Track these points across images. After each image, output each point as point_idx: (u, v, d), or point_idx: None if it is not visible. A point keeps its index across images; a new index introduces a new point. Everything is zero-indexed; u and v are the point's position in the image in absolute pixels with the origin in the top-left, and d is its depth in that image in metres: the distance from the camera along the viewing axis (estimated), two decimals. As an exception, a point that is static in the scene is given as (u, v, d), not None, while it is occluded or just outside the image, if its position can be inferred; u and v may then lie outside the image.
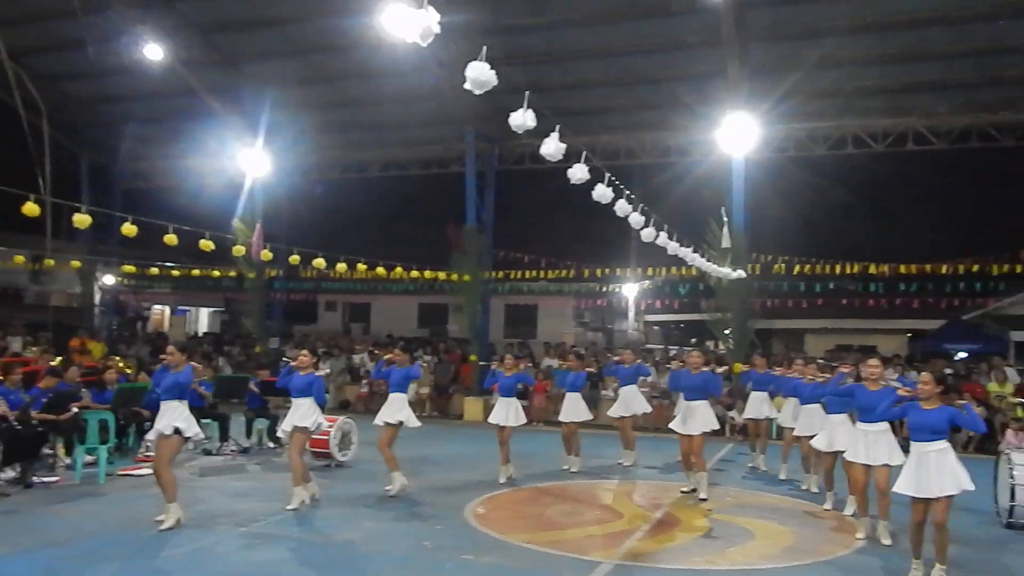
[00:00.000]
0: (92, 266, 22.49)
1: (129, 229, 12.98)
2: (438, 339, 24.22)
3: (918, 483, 6.53)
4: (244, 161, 19.72)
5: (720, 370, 11.86)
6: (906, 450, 6.94)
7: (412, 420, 9.85)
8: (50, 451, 10.59)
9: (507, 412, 10.94)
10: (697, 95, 17.25)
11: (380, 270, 19.03)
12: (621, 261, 24.85)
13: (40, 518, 8.28)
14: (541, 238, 26.25)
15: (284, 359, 15.70)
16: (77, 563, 6.79)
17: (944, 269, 18.30)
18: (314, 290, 26.57)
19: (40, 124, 15.17)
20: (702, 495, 9.91)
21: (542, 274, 22.28)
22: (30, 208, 10.88)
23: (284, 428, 9.25)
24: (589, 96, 18.63)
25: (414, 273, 19.58)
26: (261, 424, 13.18)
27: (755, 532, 8.46)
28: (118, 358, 16.66)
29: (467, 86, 5.89)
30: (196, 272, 22.52)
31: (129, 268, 20.93)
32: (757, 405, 12.18)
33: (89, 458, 10.37)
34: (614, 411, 12.58)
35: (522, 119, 6.65)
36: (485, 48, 5.86)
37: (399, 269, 19.13)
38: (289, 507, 8.75)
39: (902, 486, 6.66)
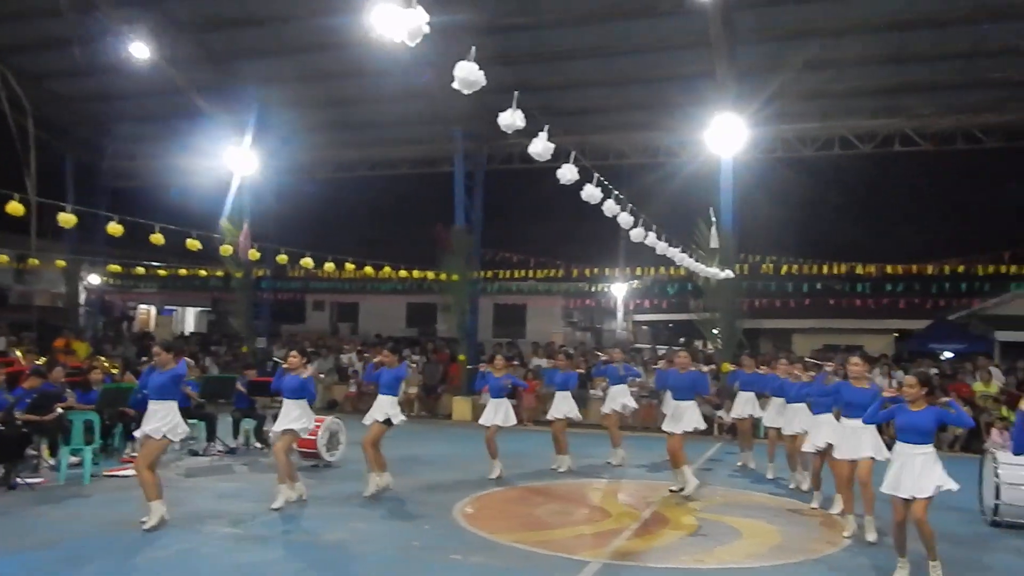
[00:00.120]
0: (77, 266, 22.34)
1: (115, 228, 12.90)
2: (426, 339, 24.20)
3: (900, 483, 6.59)
4: (232, 160, 19.60)
5: (706, 369, 11.92)
6: (891, 448, 6.99)
7: (398, 416, 9.81)
8: (34, 452, 10.51)
9: (497, 413, 10.95)
10: (686, 96, 17.31)
11: (368, 270, 18.99)
12: (610, 261, 24.86)
13: (24, 520, 8.21)
14: (530, 238, 26.26)
15: (273, 360, 15.58)
16: (62, 565, 6.73)
17: (930, 270, 18.45)
18: (302, 290, 26.50)
19: (25, 123, 15.06)
20: (686, 491, 9.97)
21: (531, 274, 22.29)
22: (14, 207, 10.80)
23: (275, 430, 9.20)
24: (578, 96, 18.66)
25: (402, 273, 19.56)
26: (248, 424, 13.12)
27: (743, 531, 8.48)
28: (103, 358, 16.53)
29: (456, 86, 5.88)
30: (183, 272, 22.40)
31: (115, 268, 20.82)
32: (745, 404, 12.24)
33: (74, 459, 10.29)
34: (605, 408, 12.66)
35: (511, 119, 6.64)
36: (474, 48, 5.85)
37: (387, 269, 19.10)
38: (273, 506, 8.72)
39: (886, 486, 6.72)
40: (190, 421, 11.15)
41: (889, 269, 18.64)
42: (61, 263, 20.78)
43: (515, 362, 18.07)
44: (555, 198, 15.96)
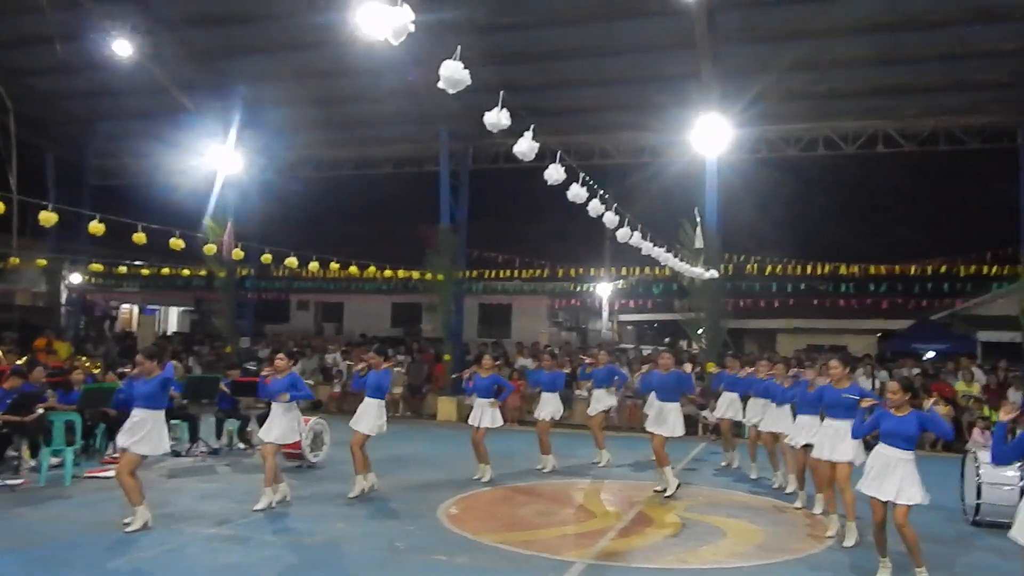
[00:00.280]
0: (59, 264, 22.10)
1: (96, 227, 12.77)
2: (412, 339, 24.14)
3: (879, 485, 6.63)
4: (216, 159, 19.47)
5: (689, 368, 11.94)
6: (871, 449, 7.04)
7: (379, 430, 9.74)
8: (15, 453, 10.41)
9: (483, 413, 10.93)
10: (671, 96, 17.35)
11: (353, 269, 18.91)
12: (595, 261, 24.94)
13: (4, 521, 8.11)
14: (515, 237, 26.17)
15: (254, 365, 15.29)
16: (42, 566, 6.67)
17: (913, 270, 18.58)
18: (286, 289, 26.34)
19: (7, 120, 14.89)
20: (668, 491, 10.01)
21: (516, 273, 22.28)
22: (-5, 206, 10.68)
23: (264, 437, 9.11)
24: (564, 96, 18.67)
25: (387, 272, 19.48)
26: (231, 425, 13.04)
27: (726, 530, 8.52)
28: (85, 358, 16.41)
29: (441, 85, 5.86)
30: (166, 271, 22.20)
31: (97, 267, 20.61)
32: (729, 405, 12.28)
33: (55, 460, 10.20)
34: (590, 410, 12.70)
35: (496, 118, 6.63)
36: (459, 47, 5.83)
37: (372, 268, 19.02)
38: (256, 507, 8.68)
39: (864, 485, 6.77)
40: (172, 421, 11.08)
41: (872, 269, 18.77)
42: (42, 262, 20.54)
43: (498, 362, 18.04)
44: (540, 198, 15.94)
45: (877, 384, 15.72)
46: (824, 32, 15.51)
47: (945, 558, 7.57)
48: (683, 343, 23.44)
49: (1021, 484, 8.30)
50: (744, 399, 12.05)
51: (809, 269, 18.58)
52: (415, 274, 19.61)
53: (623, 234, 11.32)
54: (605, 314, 35.08)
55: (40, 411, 10.32)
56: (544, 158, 8.35)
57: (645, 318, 36.33)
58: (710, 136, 16.39)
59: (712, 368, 16.22)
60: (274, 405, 9.14)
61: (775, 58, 15.89)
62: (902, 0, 14.77)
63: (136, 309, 34.71)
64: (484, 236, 22.14)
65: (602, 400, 12.68)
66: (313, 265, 17.64)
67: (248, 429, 12.97)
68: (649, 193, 19.30)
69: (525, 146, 7.57)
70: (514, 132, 7.30)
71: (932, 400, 14.41)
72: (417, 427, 16.78)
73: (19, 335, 19.68)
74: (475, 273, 20.90)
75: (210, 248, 16.60)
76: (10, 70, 18.89)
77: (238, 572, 6.72)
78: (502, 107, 6.65)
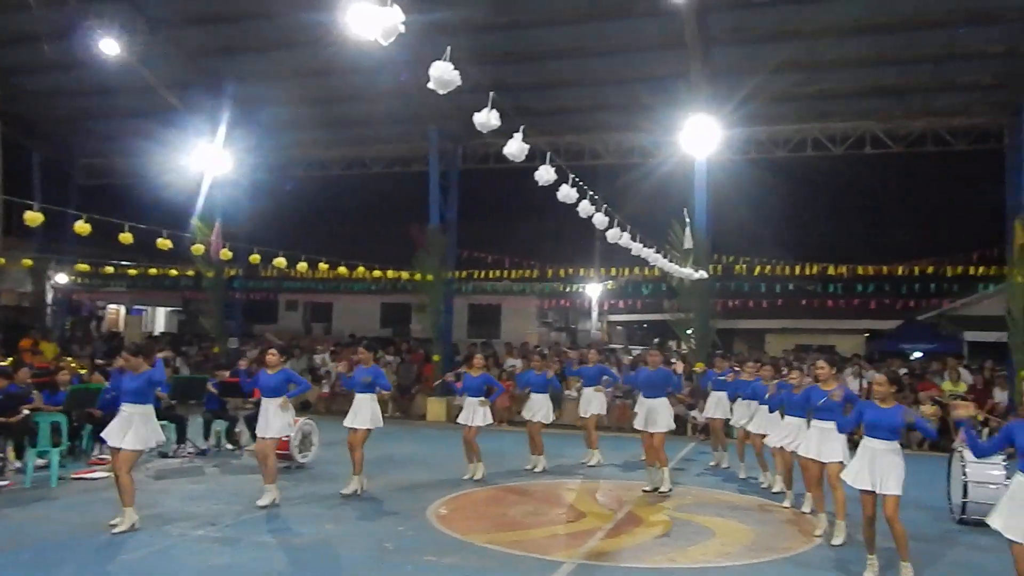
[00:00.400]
0: (44, 264, 21.93)
1: (83, 227, 12.66)
2: (401, 339, 24.09)
3: (867, 476, 6.70)
4: (204, 158, 19.36)
5: (680, 367, 11.96)
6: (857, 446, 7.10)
7: (379, 421, 9.81)
8: (0, 454, 10.31)
9: (474, 412, 10.93)
10: (660, 97, 17.37)
11: (342, 269, 18.83)
12: (585, 261, 24.88)
13: (-11, 523, 8.06)
14: (505, 238, 26.12)
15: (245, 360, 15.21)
16: (28, 569, 6.61)
17: (900, 271, 18.66)
18: (275, 289, 26.20)
19: (-8, 119, 14.80)
20: (663, 488, 10.05)
21: (506, 274, 22.24)
22: (-20, 205, 10.60)
23: (263, 434, 9.09)
24: (553, 96, 18.67)
25: (376, 273, 19.42)
26: (219, 425, 12.97)
27: (715, 530, 8.54)
28: (71, 359, 16.29)
29: (431, 85, 5.86)
30: (153, 271, 22.06)
31: (83, 267, 20.48)
32: (718, 405, 12.32)
33: (40, 461, 10.12)
34: (582, 411, 12.72)
35: (486, 119, 6.63)
36: (449, 48, 5.83)
37: (361, 268, 18.95)
38: (260, 503, 8.77)
39: (850, 476, 6.85)
40: (160, 422, 11.01)
41: (860, 270, 18.83)
42: (28, 262, 20.36)
43: (485, 363, 18.02)
44: (530, 198, 15.94)
45: (865, 384, 15.80)
46: (813, 33, 15.58)
47: (931, 555, 7.61)
48: (672, 343, 23.46)
49: (1006, 483, 8.36)
50: (732, 399, 12.10)
51: (798, 270, 18.64)
52: (404, 274, 19.56)
53: (613, 234, 11.34)
54: (595, 314, 35.10)
55: (26, 412, 10.24)
56: (534, 158, 8.35)
57: (634, 318, 36.35)
58: (699, 137, 16.40)
59: (700, 367, 16.29)
60: (265, 401, 9.10)
61: (764, 59, 15.95)
62: (891, 2, 14.89)
63: (123, 309, 34.51)
64: (474, 236, 22.12)
65: (593, 401, 12.68)
66: (302, 265, 17.54)
67: (236, 430, 12.91)
68: (639, 194, 19.35)
69: (515, 148, 7.58)
70: (504, 132, 7.31)
71: (927, 405, 14.60)
72: (406, 427, 16.74)
73: (4, 335, 19.56)
74: (465, 273, 20.87)
75: (198, 248, 16.51)
76: (-3, 68, 18.79)
77: (227, 573, 6.69)
78: (492, 107, 6.65)
